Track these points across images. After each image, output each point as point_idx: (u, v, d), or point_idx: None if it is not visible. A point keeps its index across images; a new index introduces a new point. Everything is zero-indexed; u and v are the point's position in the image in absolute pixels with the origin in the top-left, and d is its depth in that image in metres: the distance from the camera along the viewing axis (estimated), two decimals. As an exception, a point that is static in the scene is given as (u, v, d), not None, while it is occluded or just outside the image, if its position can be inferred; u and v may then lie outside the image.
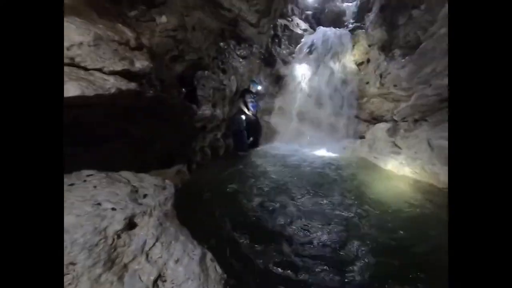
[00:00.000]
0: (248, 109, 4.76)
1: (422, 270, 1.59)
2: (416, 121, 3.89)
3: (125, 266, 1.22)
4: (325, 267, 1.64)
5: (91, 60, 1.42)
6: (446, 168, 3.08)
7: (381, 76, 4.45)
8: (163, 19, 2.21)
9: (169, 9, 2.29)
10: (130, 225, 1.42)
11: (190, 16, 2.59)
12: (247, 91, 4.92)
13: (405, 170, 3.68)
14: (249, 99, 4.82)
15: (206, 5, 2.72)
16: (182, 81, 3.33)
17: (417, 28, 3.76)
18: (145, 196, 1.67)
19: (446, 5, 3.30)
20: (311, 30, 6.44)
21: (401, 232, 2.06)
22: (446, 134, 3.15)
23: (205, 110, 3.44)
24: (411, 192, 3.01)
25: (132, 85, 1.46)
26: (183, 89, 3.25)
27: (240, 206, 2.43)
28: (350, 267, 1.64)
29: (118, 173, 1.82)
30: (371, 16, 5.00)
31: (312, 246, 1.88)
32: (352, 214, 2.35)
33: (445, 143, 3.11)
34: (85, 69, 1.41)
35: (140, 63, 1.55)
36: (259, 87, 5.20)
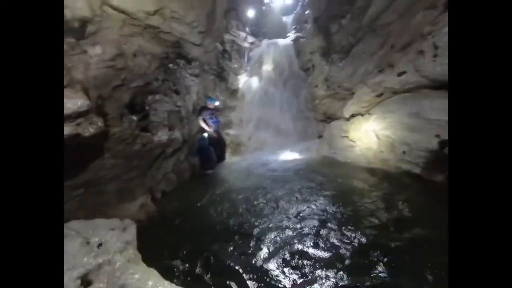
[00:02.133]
0: (209, 126, 4.71)
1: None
2: (362, 115, 4.32)
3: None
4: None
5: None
6: (393, 154, 3.47)
7: (326, 79, 4.86)
8: (97, 49, 2.09)
9: (103, 39, 2.17)
10: (85, 283, 1.26)
11: (128, 43, 2.50)
12: (205, 108, 4.88)
13: (362, 160, 4.03)
14: (208, 116, 4.77)
15: (144, 32, 2.66)
16: (132, 109, 3.15)
17: (347, 35, 4.25)
18: (99, 245, 1.51)
19: (367, 12, 3.81)
20: (258, 42, 6.76)
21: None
22: (387, 124, 3.57)
23: (162, 135, 3.29)
24: (366, 176, 3.32)
25: (66, 129, 1.32)
26: (134, 117, 3.07)
27: (212, 232, 2.33)
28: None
29: (65, 225, 1.61)
30: (308, 27, 5.48)
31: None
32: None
33: (387, 132, 3.52)
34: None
35: (72, 103, 1.42)
36: (216, 103, 5.20)
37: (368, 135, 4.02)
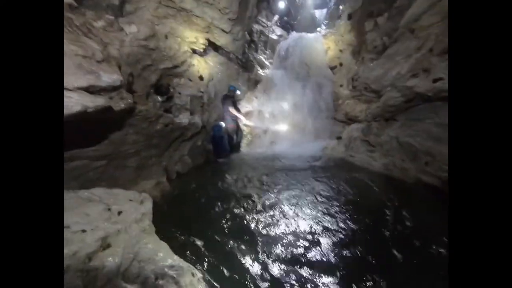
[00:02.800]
0: (239, 113, 4.77)
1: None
2: (386, 120, 4.13)
3: (99, 290, 1.17)
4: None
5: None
6: (414, 164, 3.31)
7: (353, 79, 4.68)
8: (133, 28, 2.16)
9: (139, 18, 2.24)
10: (104, 246, 1.36)
11: (162, 24, 2.55)
12: (228, 97, 4.92)
13: (379, 167, 3.89)
14: (228, 105, 4.81)
15: (177, 14, 2.70)
16: (158, 90, 3.25)
17: (382, 34, 4.03)
18: (119, 213, 1.61)
19: (406, 13, 3.59)
20: (286, 35, 6.63)
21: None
22: (413, 132, 3.40)
23: (183, 118, 3.38)
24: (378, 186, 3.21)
25: (100, 101, 1.40)
26: (159, 98, 3.17)
27: (222, 215, 2.41)
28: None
29: (88, 191, 1.73)
30: (341, 23, 5.26)
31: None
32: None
33: (411, 140, 3.35)
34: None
35: (108, 77, 1.49)
36: (238, 92, 5.22)
37: (390, 141, 3.85)
